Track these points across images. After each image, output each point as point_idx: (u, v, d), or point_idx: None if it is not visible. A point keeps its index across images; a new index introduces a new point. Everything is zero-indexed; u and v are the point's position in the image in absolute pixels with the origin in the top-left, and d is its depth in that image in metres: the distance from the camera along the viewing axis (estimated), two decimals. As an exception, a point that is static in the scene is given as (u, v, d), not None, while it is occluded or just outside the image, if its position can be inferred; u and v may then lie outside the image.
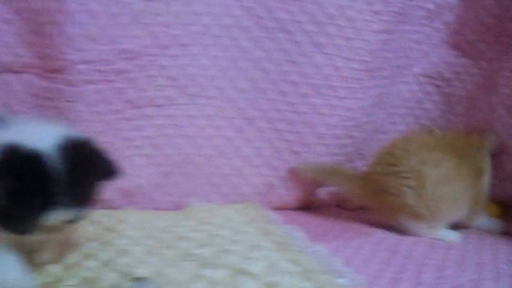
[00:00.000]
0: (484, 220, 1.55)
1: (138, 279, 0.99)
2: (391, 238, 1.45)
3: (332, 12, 1.58)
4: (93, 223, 1.33)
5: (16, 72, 1.54)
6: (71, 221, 1.00)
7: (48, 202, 0.92)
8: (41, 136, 0.96)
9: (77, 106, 1.51)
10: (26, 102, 1.54)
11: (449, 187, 1.45)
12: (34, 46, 1.51)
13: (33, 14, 1.47)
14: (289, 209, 1.75)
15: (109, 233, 1.32)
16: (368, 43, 1.61)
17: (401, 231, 1.49)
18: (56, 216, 0.94)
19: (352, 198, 1.65)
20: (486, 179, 1.52)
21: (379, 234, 1.49)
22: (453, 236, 1.45)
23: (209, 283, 1.05)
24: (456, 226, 1.50)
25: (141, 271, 1.10)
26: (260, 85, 1.63)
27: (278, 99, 1.64)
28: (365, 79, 1.64)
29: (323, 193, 1.78)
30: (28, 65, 1.53)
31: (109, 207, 1.53)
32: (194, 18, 1.55)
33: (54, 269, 1.10)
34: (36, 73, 1.53)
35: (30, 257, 1.08)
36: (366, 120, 1.68)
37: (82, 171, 0.95)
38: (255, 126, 1.66)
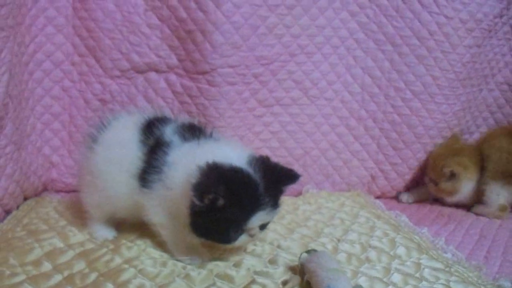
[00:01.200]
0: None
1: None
2: (479, 224, 1.68)
3: (432, 28, 1.80)
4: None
5: (159, 71, 1.76)
6: (265, 225, 1.16)
7: (255, 204, 1.05)
8: (232, 154, 1.11)
9: (218, 103, 1.74)
10: (169, 98, 1.77)
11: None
12: (177, 50, 1.73)
13: (180, 22, 1.69)
14: (387, 198, 1.97)
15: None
16: (462, 56, 1.83)
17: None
18: (261, 217, 1.10)
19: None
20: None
21: (469, 220, 1.71)
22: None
23: (347, 254, 1.28)
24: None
25: (289, 244, 1.32)
26: (369, 89, 1.86)
27: (384, 102, 1.86)
28: (457, 87, 1.86)
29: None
30: (170, 66, 1.75)
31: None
32: (318, 30, 1.79)
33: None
34: (178, 73, 1.75)
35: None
36: (456, 123, 1.90)
37: (273, 179, 1.09)
38: (363, 125, 1.88)
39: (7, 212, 1.48)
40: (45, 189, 1.76)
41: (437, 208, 1.84)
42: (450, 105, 1.86)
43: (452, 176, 1.72)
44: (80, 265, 1.13)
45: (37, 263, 1.13)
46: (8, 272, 1.07)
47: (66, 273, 1.09)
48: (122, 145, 1.23)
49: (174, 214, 1.14)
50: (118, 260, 1.17)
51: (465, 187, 1.75)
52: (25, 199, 1.61)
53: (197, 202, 1.02)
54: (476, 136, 1.96)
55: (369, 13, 1.79)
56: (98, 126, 1.31)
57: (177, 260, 1.19)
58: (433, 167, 1.78)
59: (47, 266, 1.12)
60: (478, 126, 1.98)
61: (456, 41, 1.81)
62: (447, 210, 1.80)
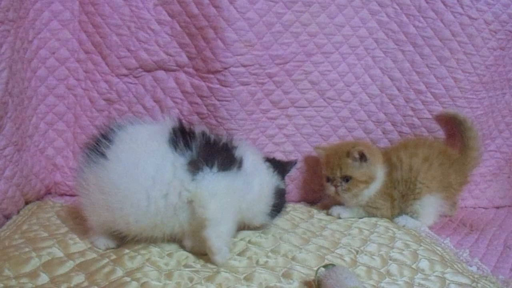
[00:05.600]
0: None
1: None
2: (502, 234, 1.60)
3: (455, 29, 1.71)
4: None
5: (168, 70, 1.68)
6: None
7: None
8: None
9: (230, 104, 1.66)
10: (178, 98, 1.69)
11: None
12: (188, 47, 1.65)
13: (191, 18, 1.62)
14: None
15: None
16: (485, 59, 1.74)
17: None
18: None
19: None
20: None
21: (491, 230, 1.64)
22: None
23: (366, 268, 1.20)
24: None
25: (304, 256, 1.24)
26: (389, 91, 1.77)
27: (403, 105, 1.78)
28: (480, 90, 1.77)
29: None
30: (180, 65, 1.67)
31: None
32: (336, 29, 1.71)
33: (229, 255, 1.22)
34: (188, 72, 1.68)
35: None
36: (478, 128, 1.80)
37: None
38: (382, 128, 1.80)
39: (7, 217, 1.41)
40: (48, 192, 1.68)
41: (458, 216, 1.77)
42: (473, 109, 1.77)
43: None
44: (79, 278, 1.05)
45: (33, 274, 1.05)
46: (0, 285, 1.00)
47: (63, 287, 1.01)
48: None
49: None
50: (119, 272, 1.09)
51: (380, 173, 1.59)
52: (27, 203, 1.54)
53: (283, 186, 1.38)
54: (499, 141, 1.86)
55: (389, 12, 1.71)
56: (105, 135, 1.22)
57: (192, 265, 1.13)
58: (332, 166, 1.59)
59: (43, 279, 1.05)
60: (501, 131, 1.88)
61: (480, 43, 1.72)
62: (468, 219, 1.73)
